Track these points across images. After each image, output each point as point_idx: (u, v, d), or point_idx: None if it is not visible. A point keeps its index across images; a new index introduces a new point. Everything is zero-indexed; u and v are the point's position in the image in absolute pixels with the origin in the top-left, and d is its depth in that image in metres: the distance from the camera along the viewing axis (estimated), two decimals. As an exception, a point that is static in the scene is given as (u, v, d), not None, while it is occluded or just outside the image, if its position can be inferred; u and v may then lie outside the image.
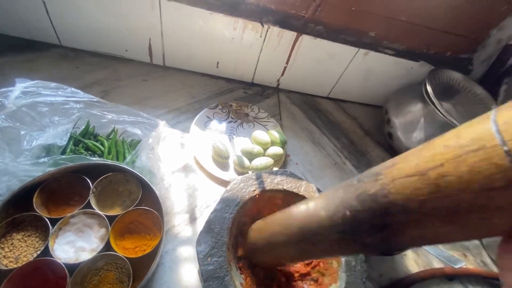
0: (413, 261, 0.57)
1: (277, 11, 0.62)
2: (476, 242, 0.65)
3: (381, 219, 0.20)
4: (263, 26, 0.63)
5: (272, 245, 0.35)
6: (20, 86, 0.39)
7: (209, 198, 0.53)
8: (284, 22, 0.63)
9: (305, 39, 0.66)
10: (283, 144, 0.62)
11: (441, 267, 0.57)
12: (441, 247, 0.62)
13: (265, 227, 0.37)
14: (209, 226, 0.38)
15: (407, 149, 0.65)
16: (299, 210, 0.31)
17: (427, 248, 0.42)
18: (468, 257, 0.62)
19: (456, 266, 0.38)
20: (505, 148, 0.13)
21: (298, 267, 0.44)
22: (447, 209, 0.16)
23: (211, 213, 0.39)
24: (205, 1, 0.59)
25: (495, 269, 0.62)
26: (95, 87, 0.62)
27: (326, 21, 0.65)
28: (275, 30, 0.64)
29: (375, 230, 0.21)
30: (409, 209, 0.18)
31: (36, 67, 0.61)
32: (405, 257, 0.57)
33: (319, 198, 0.29)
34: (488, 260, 0.63)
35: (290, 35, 0.65)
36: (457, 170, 0.15)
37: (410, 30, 0.67)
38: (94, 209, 0.41)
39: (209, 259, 0.35)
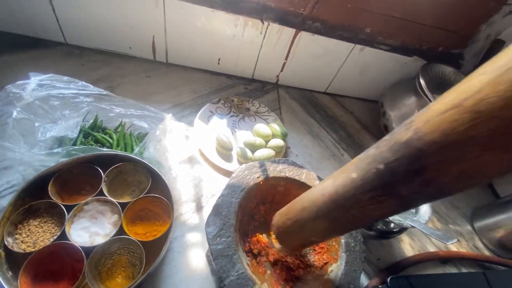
0: (409, 245, 0.60)
1: (277, 8, 0.65)
2: (469, 228, 0.69)
3: (417, 163, 0.19)
4: (263, 23, 0.65)
5: (302, 222, 0.34)
6: (36, 79, 0.41)
7: (214, 188, 0.56)
8: (284, 19, 0.66)
9: (304, 35, 0.68)
10: (283, 136, 0.65)
11: (436, 251, 0.60)
12: (435, 226, 0.65)
13: (292, 208, 0.37)
14: (217, 209, 0.40)
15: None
16: (327, 182, 0.30)
17: (422, 228, 0.44)
18: (461, 242, 0.65)
19: (448, 243, 0.40)
20: None
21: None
22: (488, 134, 0.16)
23: (219, 197, 0.42)
24: (207, -1, 0.61)
25: (486, 252, 0.65)
26: (100, 83, 0.64)
27: (324, 18, 0.67)
28: (275, 27, 0.66)
29: (411, 176, 0.20)
30: (446, 144, 0.17)
31: (42, 64, 0.63)
32: (401, 242, 0.60)
33: (347, 165, 0.28)
34: (480, 245, 0.66)
35: (289, 31, 0.67)
36: (497, 89, 0.15)
37: (403, 26, 0.70)
38: (107, 197, 0.43)
39: (218, 239, 0.38)
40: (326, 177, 0.32)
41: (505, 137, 0.15)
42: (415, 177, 0.20)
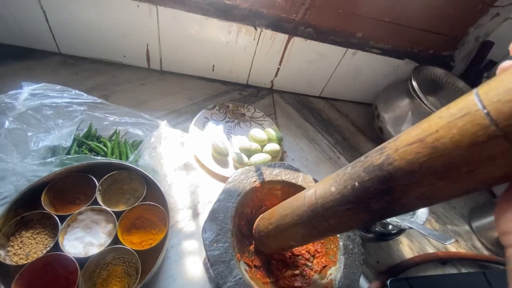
0: (408, 247, 0.60)
1: (269, 15, 0.65)
2: (467, 228, 0.69)
3: (386, 183, 0.23)
4: (256, 29, 0.66)
5: (283, 227, 0.37)
6: (28, 88, 0.41)
7: (210, 194, 0.55)
8: (276, 25, 0.67)
9: (296, 41, 0.69)
10: (279, 140, 0.65)
11: (435, 252, 0.60)
12: (433, 226, 0.65)
13: (274, 213, 0.39)
14: (214, 214, 0.40)
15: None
16: (308, 192, 0.33)
17: (419, 229, 0.44)
18: (460, 242, 0.65)
19: (446, 243, 0.40)
20: (485, 111, 0.17)
21: (299, 251, 0.46)
22: (442, 166, 0.19)
23: (215, 202, 0.41)
24: (200, 7, 0.62)
25: (485, 252, 0.65)
26: (95, 92, 0.64)
27: (315, 24, 0.68)
28: (268, 33, 0.67)
29: (381, 195, 0.23)
30: (410, 171, 0.21)
31: (36, 74, 0.63)
32: (400, 244, 0.60)
33: (327, 179, 0.31)
34: (478, 244, 0.66)
35: (282, 37, 0.68)
36: (449, 133, 0.19)
37: (394, 30, 0.72)
38: (101, 206, 0.43)
39: (214, 244, 0.37)
40: (307, 188, 0.35)
41: (454, 170, 0.19)
42: (384, 195, 0.23)
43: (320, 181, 0.33)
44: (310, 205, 0.32)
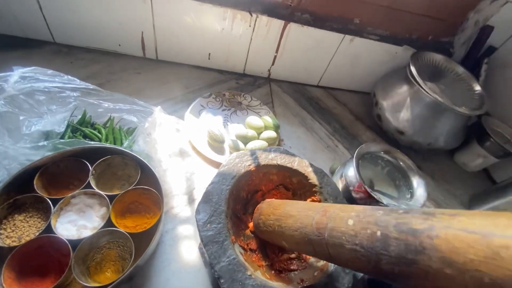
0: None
1: (265, 1, 0.65)
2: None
3: (414, 254, 0.19)
4: (251, 15, 0.65)
5: (283, 225, 0.35)
6: (18, 71, 0.41)
7: (206, 181, 0.54)
8: (272, 11, 0.66)
9: (293, 27, 0.68)
10: (276, 128, 0.64)
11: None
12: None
13: (282, 207, 0.38)
14: (207, 196, 0.40)
15: (395, 129, 0.67)
16: (322, 210, 0.31)
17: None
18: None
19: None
20: None
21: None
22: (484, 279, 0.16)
23: (209, 185, 0.41)
24: (194, -7, 0.61)
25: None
26: (89, 80, 0.61)
27: (312, 9, 0.67)
28: (264, 19, 0.66)
29: (399, 260, 0.20)
30: (449, 261, 0.17)
31: (30, 63, 0.60)
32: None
33: (348, 208, 0.28)
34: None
35: (278, 23, 0.67)
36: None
37: (392, 15, 0.71)
38: (94, 189, 0.42)
39: (208, 225, 0.37)
40: (325, 204, 0.33)
41: None
42: (402, 263, 0.20)
43: (341, 205, 0.30)
44: (318, 225, 0.29)
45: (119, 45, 0.70)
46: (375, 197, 0.46)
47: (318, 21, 0.69)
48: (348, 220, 0.26)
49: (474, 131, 0.74)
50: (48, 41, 0.67)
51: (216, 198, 0.40)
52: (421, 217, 0.20)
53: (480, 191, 0.71)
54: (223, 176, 0.42)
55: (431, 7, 0.70)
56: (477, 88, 0.70)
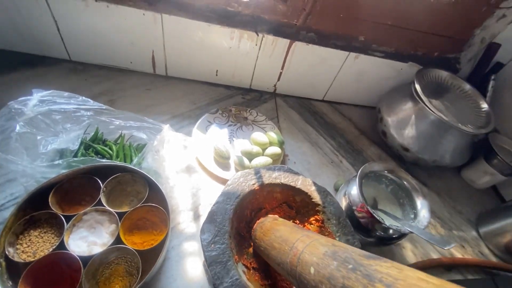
0: (411, 252, 0.59)
1: (270, 20, 0.67)
2: (474, 233, 0.67)
3: None
4: (258, 35, 0.67)
5: (269, 255, 0.37)
6: (37, 95, 0.43)
7: (212, 197, 0.56)
8: (278, 30, 0.68)
9: (298, 45, 0.70)
10: (280, 144, 0.65)
11: (439, 258, 0.59)
12: (438, 232, 0.64)
13: (270, 233, 0.40)
14: (212, 216, 0.41)
15: (400, 145, 0.68)
16: (295, 255, 0.32)
17: (419, 233, 0.44)
18: (466, 248, 0.64)
19: (446, 248, 0.40)
20: None
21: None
22: None
23: (213, 204, 0.42)
24: (203, 14, 0.64)
25: (493, 258, 0.63)
26: (102, 97, 0.66)
27: (317, 28, 0.69)
28: (270, 38, 0.68)
29: None
30: None
31: (47, 80, 0.66)
32: (403, 249, 0.59)
33: (315, 249, 0.30)
34: (485, 250, 0.64)
35: (284, 42, 0.69)
36: None
37: (397, 33, 0.72)
38: (105, 206, 0.44)
39: (212, 245, 0.38)
40: (304, 233, 0.34)
41: None
42: None
43: (314, 241, 0.31)
44: (291, 263, 0.31)
45: (131, 62, 0.73)
46: (377, 218, 0.47)
47: (323, 39, 0.71)
48: (310, 268, 0.27)
49: (482, 148, 0.73)
50: (64, 59, 0.71)
51: (221, 218, 0.41)
52: (364, 280, 0.22)
53: (488, 209, 0.71)
54: (227, 196, 0.44)
55: (436, 25, 0.71)
56: (484, 105, 0.70)
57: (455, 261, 0.59)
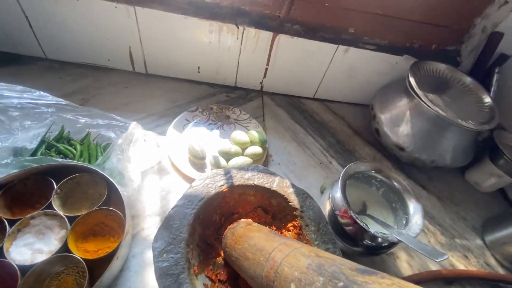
0: (406, 263, 0.53)
1: (252, 12, 0.63)
2: (479, 242, 0.60)
3: None
4: (238, 27, 0.63)
5: (241, 264, 0.33)
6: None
7: (183, 200, 0.52)
8: (260, 22, 0.64)
9: (283, 38, 0.65)
10: (262, 143, 0.61)
11: (438, 269, 0.52)
12: (437, 240, 0.57)
13: (241, 241, 0.35)
14: (168, 222, 0.36)
15: (394, 144, 0.62)
16: (271, 268, 0.28)
17: (409, 242, 0.38)
18: (470, 259, 0.57)
19: (437, 260, 0.34)
20: None
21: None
22: None
23: (172, 208, 0.38)
24: (179, 7, 0.60)
25: (500, 270, 0.56)
26: (75, 95, 0.63)
27: (302, 20, 0.65)
28: (251, 31, 0.64)
29: None
30: None
31: (20, 79, 0.62)
32: (397, 259, 0.53)
33: (297, 262, 0.26)
34: (492, 261, 0.57)
35: (267, 35, 0.65)
36: None
37: (389, 23, 0.66)
38: (55, 210, 0.40)
39: (164, 255, 0.33)
40: (282, 240, 0.31)
41: None
42: None
43: (294, 251, 0.27)
44: (267, 277, 0.27)
45: (108, 59, 0.70)
46: (361, 224, 0.41)
47: (309, 31, 0.66)
48: (291, 285, 0.23)
49: (487, 147, 0.67)
50: (40, 57, 0.68)
51: (178, 223, 0.36)
52: None
53: (495, 215, 0.64)
54: (188, 199, 0.39)
55: (432, 14, 0.66)
56: (487, 100, 0.64)
57: (456, 273, 0.52)
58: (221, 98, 0.74)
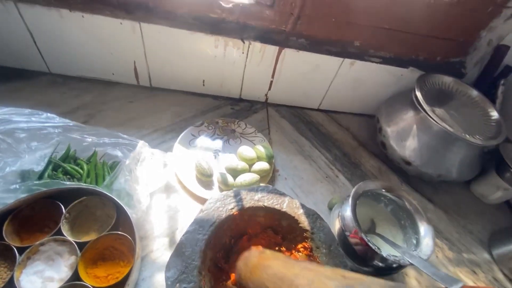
0: (415, 280, 0.52)
1: (257, 27, 0.62)
2: (487, 256, 0.60)
3: None
4: (244, 42, 0.63)
5: None
6: (-7, 113, 0.40)
7: (191, 220, 0.51)
8: (265, 37, 0.63)
9: (288, 52, 0.65)
10: (269, 158, 0.60)
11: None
12: (445, 255, 0.57)
13: (258, 272, 0.33)
14: (180, 249, 0.36)
15: (401, 158, 0.62)
16: None
17: (421, 266, 0.38)
18: (478, 274, 0.57)
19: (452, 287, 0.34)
20: None
21: None
22: None
23: (183, 235, 0.37)
24: (185, 22, 0.60)
25: (509, 285, 0.56)
26: (80, 111, 0.63)
27: (308, 34, 0.64)
28: (257, 45, 0.64)
29: None
30: None
31: (24, 95, 0.63)
32: (406, 277, 0.53)
33: None
34: (500, 276, 0.57)
35: (273, 49, 0.65)
36: None
37: (395, 37, 0.66)
38: (65, 236, 0.40)
39: (177, 285, 0.33)
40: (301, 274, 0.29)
41: None
42: None
43: (318, 278, 0.27)
44: None
45: (113, 74, 0.69)
46: (372, 247, 0.41)
47: (314, 45, 0.66)
48: None
49: (493, 159, 0.67)
50: (43, 72, 0.68)
51: (190, 250, 0.36)
52: None
53: (502, 227, 0.64)
54: (200, 224, 0.39)
55: (438, 27, 0.66)
56: (493, 113, 0.64)
57: (466, 290, 0.52)
58: (226, 111, 0.73)
